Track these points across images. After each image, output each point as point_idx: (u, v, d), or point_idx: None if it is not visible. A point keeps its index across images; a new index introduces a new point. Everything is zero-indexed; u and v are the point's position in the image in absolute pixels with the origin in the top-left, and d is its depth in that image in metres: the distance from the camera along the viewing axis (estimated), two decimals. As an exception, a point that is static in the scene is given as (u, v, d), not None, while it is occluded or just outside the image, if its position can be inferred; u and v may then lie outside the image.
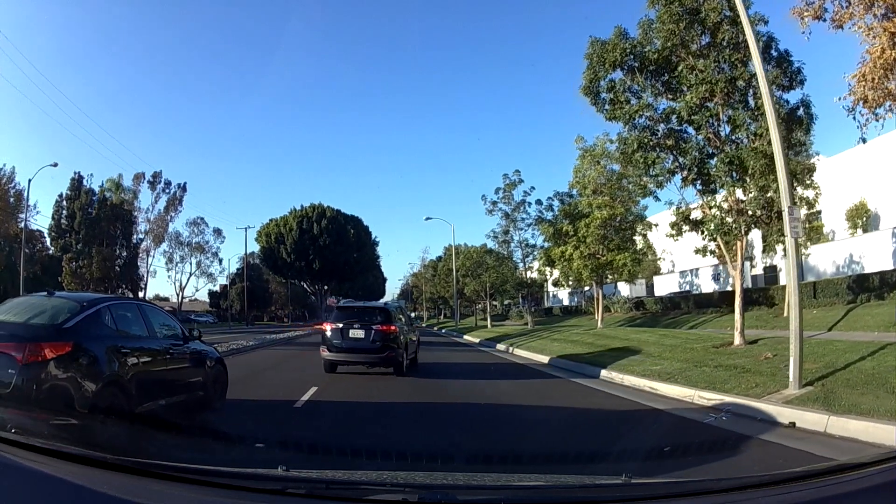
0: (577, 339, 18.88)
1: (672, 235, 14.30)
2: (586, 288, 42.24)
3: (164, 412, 5.88)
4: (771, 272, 32.43)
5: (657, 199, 14.91)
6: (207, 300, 73.97)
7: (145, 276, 53.39)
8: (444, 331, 43.65)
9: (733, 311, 13.18)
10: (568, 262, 24.69)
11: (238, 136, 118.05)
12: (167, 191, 53.26)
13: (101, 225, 44.40)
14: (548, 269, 29.70)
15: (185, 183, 54.91)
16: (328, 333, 11.44)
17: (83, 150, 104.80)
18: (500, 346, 21.80)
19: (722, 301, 25.33)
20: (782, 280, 27.59)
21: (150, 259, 53.74)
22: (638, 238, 25.56)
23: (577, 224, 24.10)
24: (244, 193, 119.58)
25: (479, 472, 3.10)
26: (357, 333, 11.21)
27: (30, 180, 34.86)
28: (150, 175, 52.48)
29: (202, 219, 59.47)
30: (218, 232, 60.62)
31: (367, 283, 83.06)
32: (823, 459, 4.76)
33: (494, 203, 31.74)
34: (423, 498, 1.77)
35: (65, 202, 46.43)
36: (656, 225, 23.53)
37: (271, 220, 61.14)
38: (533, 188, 31.26)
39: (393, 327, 11.41)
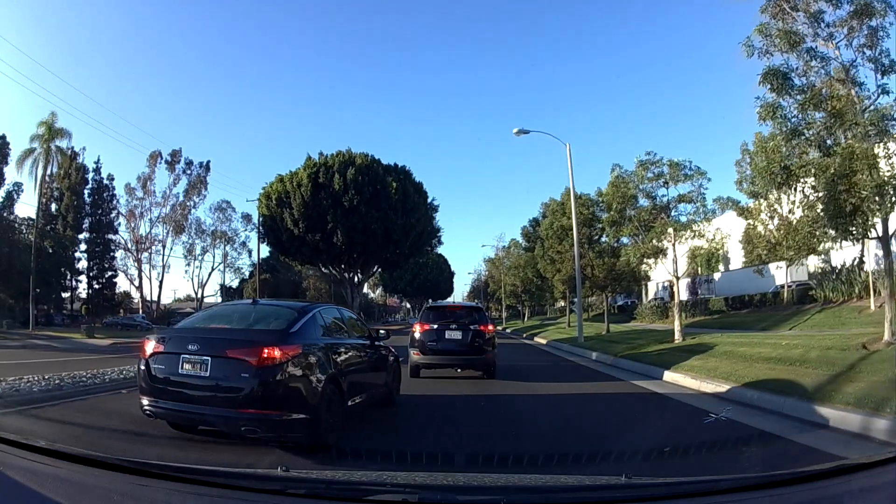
0: None
1: None
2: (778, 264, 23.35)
3: (364, 407, 6.28)
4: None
5: None
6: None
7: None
8: (569, 348, 20.01)
9: None
10: None
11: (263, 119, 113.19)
12: (188, 172, 45.58)
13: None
14: None
15: (208, 162, 45.78)
16: (419, 335, 10.98)
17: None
18: None
19: None
20: None
21: (166, 251, 46.56)
22: None
23: None
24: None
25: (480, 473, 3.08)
26: (454, 335, 10.90)
27: None
28: (167, 154, 44.31)
29: (228, 202, 49.81)
30: (248, 218, 49.31)
31: (427, 274, 64.66)
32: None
33: None
34: (423, 498, 1.77)
35: (55, 183, 39.32)
36: None
37: (278, 177, 36.11)
38: None
39: (491, 327, 11.32)
